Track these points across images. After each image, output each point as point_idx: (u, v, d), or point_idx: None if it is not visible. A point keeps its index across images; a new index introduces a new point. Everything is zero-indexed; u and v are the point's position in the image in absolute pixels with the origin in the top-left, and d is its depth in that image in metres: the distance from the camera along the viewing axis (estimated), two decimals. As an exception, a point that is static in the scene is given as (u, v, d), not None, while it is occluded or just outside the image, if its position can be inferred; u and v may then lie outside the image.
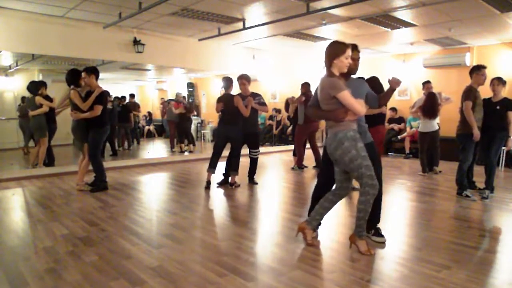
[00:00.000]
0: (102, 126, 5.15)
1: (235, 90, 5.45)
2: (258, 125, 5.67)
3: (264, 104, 5.62)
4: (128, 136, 10.13)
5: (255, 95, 5.46)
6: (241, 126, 5.31)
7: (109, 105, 8.06)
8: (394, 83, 3.05)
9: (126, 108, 9.82)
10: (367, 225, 3.06)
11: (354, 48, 3.04)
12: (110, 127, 5.69)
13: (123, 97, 10.10)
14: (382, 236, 3.26)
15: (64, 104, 5.73)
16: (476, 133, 4.59)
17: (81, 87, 5.14)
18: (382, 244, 3.19)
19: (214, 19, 6.41)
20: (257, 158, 5.68)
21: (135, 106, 10.65)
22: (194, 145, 9.66)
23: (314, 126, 6.89)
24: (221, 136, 5.38)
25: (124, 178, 6.31)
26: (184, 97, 10.28)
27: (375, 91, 5.44)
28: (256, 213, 4.33)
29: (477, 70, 4.74)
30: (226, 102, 5.25)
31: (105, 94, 5.15)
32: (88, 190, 5.19)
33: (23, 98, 8.20)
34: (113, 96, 9.61)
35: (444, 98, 6.73)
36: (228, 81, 5.41)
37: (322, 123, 11.25)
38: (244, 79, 5.40)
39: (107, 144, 8.12)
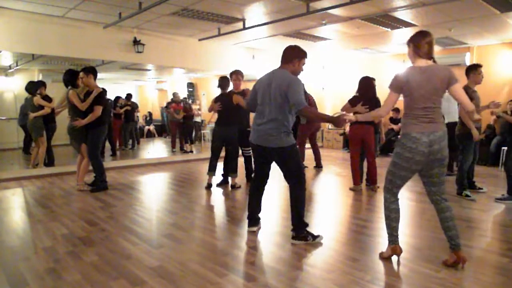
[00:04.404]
0: (100, 126, 5.14)
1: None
2: (249, 124, 5.66)
3: None
4: (133, 135, 10.20)
5: (247, 91, 5.39)
6: (237, 126, 5.25)
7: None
8: (342, 121, 3.07)
9: (133, 107, 9.91)
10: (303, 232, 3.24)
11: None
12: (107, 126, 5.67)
13: (130, 96, 10.15)
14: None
15: (63, 104, 5.72)
16: (475, 134, 4.56)
17: (79, 88, 5.13)
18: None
19: (214, 19, 6.41)
20: (251, 156, 5.65)
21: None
22: (192, 143, 9.76)
23: (316, 125, 6.87)
24: (218, 138, 5.31)
25: (124, 178, 6.31)
26: (185, 98, 10.32)
27: (362, 92, 5.35)
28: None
29: (474, 70, 4.67)
30: (223, 102, 5.18)
31: (104, 94, 5.13)
32: (88, 190, 5.18)
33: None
34: (114, 96, 9.64)
35: None
36: (225, 80, 5.36)
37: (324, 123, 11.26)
38: (239, 75, 5.39)
39: (107, 144, 8.12)
